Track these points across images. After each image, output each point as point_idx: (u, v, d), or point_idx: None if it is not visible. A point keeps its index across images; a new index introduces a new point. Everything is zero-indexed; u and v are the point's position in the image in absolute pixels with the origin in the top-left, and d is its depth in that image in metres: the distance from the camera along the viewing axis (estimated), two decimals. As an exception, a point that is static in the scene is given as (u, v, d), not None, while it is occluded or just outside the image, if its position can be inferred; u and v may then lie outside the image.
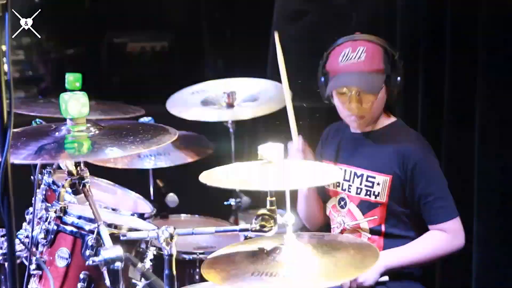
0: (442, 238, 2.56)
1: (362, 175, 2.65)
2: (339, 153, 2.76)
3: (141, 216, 2.89)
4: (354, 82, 2.59)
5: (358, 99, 2.60)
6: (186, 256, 2.92)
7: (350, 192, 2.69)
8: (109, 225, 2.25)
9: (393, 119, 2.73)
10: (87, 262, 2.11)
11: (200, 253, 2.93)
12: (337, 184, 2.73)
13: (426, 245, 2.58)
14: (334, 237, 2.45)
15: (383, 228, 2.63)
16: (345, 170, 2.70)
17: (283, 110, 3.23)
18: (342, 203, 2.72)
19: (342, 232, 2.71)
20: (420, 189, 2.56)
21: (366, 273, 2.48)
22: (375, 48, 2.60)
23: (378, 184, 2.61)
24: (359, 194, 2.66)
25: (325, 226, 2.87)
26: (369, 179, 2.64)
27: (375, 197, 2.62)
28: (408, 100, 3.30)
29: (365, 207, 2.65)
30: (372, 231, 2.64)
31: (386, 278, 2.57)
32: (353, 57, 2.59)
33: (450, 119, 3.02)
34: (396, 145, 2.62)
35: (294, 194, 2.82)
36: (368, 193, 2.64)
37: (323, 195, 2.82)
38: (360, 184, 2.66)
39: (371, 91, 2.60)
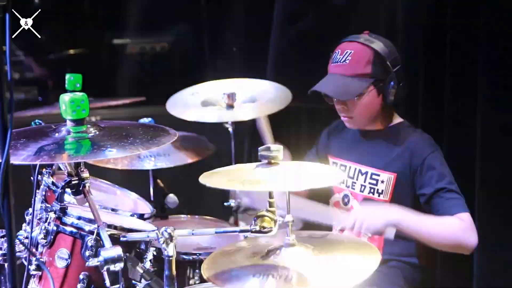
0: (459, 223, 2.46)
1: (366, 173, 2.65)
2: (345, 149, 2.77)
3: (141, 216, 2.88)
4: (325, 88, 2.61)
5: (342, 101, 2.61)
6: (186, 257, 2.91)
7: (354, 189, 2.68)
8: (109, 226, 2.24)
9: (399, 120, 2.73)
10: (87, 263, 2.10)
11: (200, 254, 2.92)
12: (342, 181, 2.72)
13: (441, 223, 2.48)
14: (334, 237, 2.44)
15: (384, 227, 2.61)
16: (350, 167, 2.70)
17: (282, 111, 3.22)
18: (346, 200, 2.72)
19: (342, 230, 2.70)
20: (433, 183, 2.52)
21: (374, 216, 2.42)
22: (363, 52, 2.58)
23: (382, 181, 2.61)
24: (363, 191, 2.66)
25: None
26: (374, 176, 2.63)
27: (379, 195, 2.62)
28: (408, 100, 3.30)
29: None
30: (373, 230, 2.62)
31: (393, 231, 2.44)
32: (340, 60, 2.60)
33: (451, 119, 3.02)
34: (404, 143, 2.62)
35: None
36: (372, 190, 2.63)
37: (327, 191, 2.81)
38: (364, 182, 2.65)
39: (342, 97, 2.60)
